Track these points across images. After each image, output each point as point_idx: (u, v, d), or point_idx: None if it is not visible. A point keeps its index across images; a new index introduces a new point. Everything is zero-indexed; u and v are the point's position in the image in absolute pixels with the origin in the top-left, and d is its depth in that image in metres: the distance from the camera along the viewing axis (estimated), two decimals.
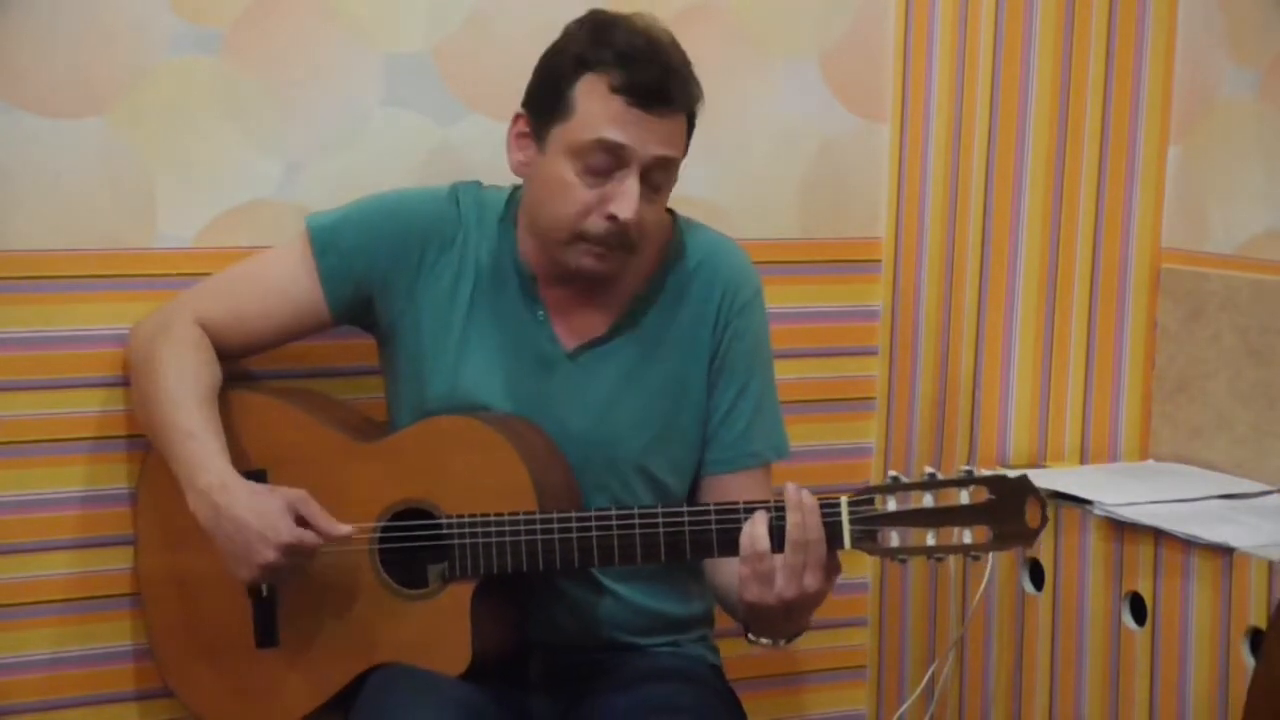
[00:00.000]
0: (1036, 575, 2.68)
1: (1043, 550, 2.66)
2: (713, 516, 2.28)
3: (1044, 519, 2.21)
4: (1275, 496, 2.60)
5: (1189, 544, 2.44)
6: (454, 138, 2.70)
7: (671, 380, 2.46)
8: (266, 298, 2.46)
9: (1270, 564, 2.33)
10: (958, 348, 2.86)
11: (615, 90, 2.30)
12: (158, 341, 2.42)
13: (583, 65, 2.32)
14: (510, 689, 2.38)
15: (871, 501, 2.23)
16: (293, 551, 2.30)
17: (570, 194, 2.33)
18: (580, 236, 2.34)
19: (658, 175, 2.34)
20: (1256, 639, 2.36)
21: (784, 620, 2.28)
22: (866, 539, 2.23)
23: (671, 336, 2.46)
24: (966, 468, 2.23)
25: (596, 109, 2.31)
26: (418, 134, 2.69)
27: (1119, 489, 2.63)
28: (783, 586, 2.22)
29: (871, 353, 3.00)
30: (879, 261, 2.98)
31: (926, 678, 2.87)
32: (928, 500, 2.21)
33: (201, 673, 2.47)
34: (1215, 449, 2.75)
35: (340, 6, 2.63)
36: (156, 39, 2.55)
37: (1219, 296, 2.74)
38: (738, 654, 2.69)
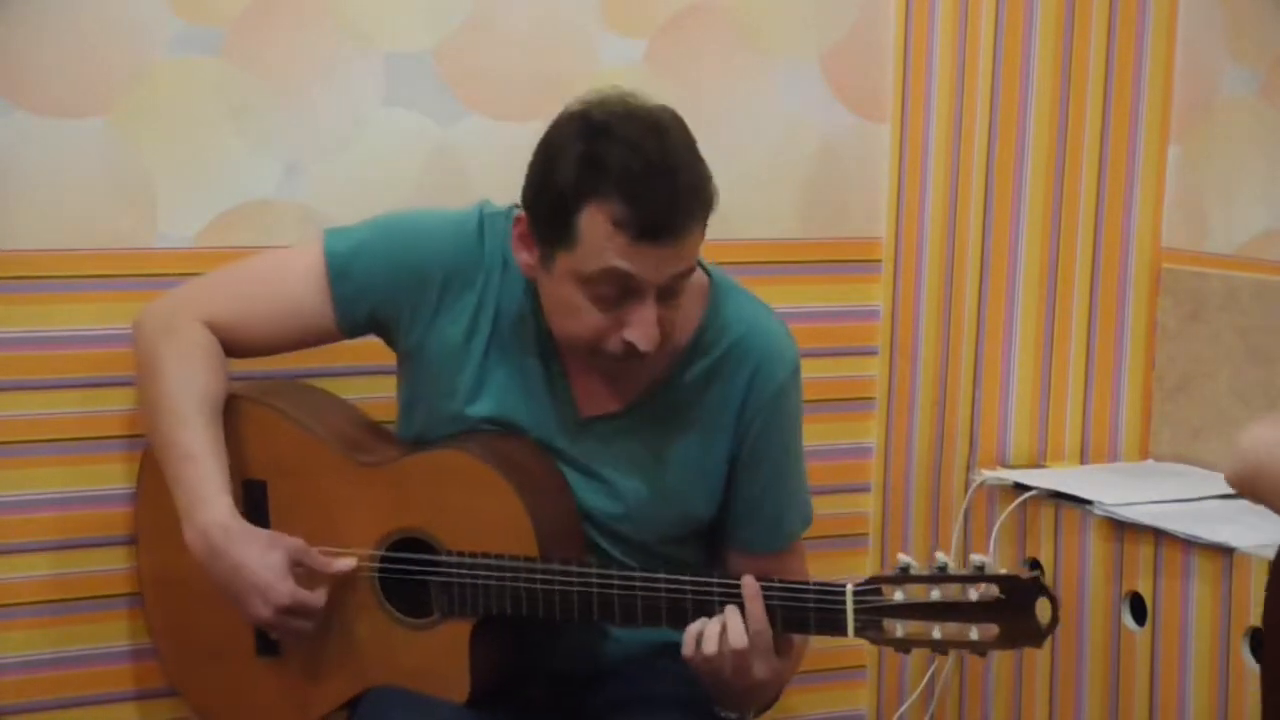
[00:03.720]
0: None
1: (1042, 550, 2.66)
2: (715, 586, 2.22)
3: (1055, 619, 2.14)
4: None
5: (1189, 544, 2.44)
6: (454, 138, 2.70)
7: (687, 463, 2.36)
8: (277, 308, 2.40)
9: (1270, 564, 2.33)
10: (958, 348, 2.86)
11: (619, 226, 2.13)
12: (164, 343, 2.37)
13: (581, 193, 2.14)
14: (510, 712, 2.35)
15: (879, 591, 2.17)
16: (291, 613, 2.27)
17: (582, 318, 2.20)
18: (598, 353, 2.23)
19: (676, 283, 2.20)
20: (1256, 639, 2.36)
21: (744, 697, 2.27)
22: (870, 628, 2.17)
23: (694, 418, 2.35)
24: (979, 561, 2.15)
25: (602, 243, 2.14)
26: (418, 134, 2.69)
27: (1119, 489, 2.63)
28: (731, 676, 2.20)
29: (871, 353, 3.00)
30: (879, 261, 2.98)
31: (926, 678, 2.87)
32: (935, 594, 2.15)
33: (201, 674, 2.46)
34: (1215, 449, 2.75)
35: (340, 6, 2.63)
36: (157, 39, 2.55)
37: (1219, 296, 2.74)
38: None
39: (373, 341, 2.52)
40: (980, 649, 2.17)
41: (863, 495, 3.02)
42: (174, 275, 2.54)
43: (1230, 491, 2.59)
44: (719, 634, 2.19)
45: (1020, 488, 2.69)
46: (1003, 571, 2.15)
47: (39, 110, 2.50)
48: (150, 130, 2.56)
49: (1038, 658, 2.68)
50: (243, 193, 2.62)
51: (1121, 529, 2.54)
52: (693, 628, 2.20)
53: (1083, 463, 2.86)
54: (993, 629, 2.14)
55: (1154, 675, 2.51)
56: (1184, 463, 2.80)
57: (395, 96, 2.67)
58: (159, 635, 2.51)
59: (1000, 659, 2.75)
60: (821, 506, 2.68)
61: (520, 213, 2.25)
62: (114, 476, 2.57)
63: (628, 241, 2.14)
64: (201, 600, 2.41)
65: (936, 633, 2.16)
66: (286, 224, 2.61)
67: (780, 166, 2.90)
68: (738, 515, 2.40)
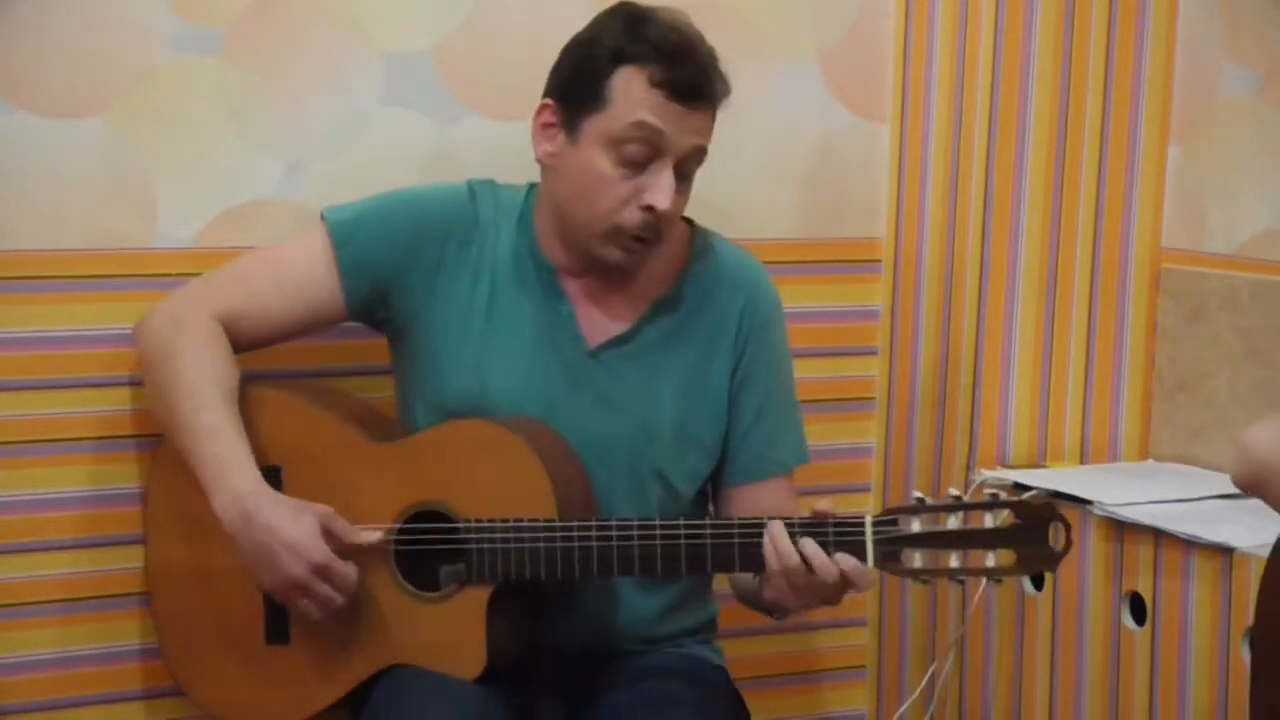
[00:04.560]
0: (1036, 575, 2.68)
1: None
2: (735, 530, 2.28)
3: (1068, 542, 2.21)
4: None
5: (1189, 544, 2.44)
6: (454, 138, 2.70)
7: (691, 385, 2.45)
8: (283, 290, 2.44)
9: (1266, 562, 2.33)
10: (958, 348, 2.86)
11: (655, 84, 2.31)
12: (173, 336, 2.39)
13: (620, 58, 2.32)
14: (518, 690, 2.38)
15: (895, 522, 2.22)
16: (322, 573, 2.28)
17: (605, 186, 2.34)
18: (615, 229, 2.35)
19: (689, 164, 2.37)
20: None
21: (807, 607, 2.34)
22: (890, 559, 2.22)
23: (693, 341, 2.46)
24: (992, 491, 2.23)
25: (636, 100, 2.32)
26: (418, 134, 2.69)
27: (1119, 489, 2.63)
28: (805, 601, 2.28)
29: (871, 353, 3.00)
30: (879, 261, 2.98)
31: (926, 678, 2.87)
32: (952, 522, 2.21)
33: (209, 666, 2.46)
34: (1215, 449, 2.75)
35: (340, 6, 2.63)
36: (156, 39, 2.55)
37: (1219, 296, 2.74)
38: (740, 655, 2.69)
39: (373, 342, 2.52)
40: (997, 575, 2.23)
41: (863, 495, 3.02)
42: (174, 275, 2.54)
43: (1230, 491, 2.61)
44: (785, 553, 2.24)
45: (1020, 488, 2.69)
46: (1017, 498, 2.21)
47: (39, 110, 2.50)
48: (150, 130, 2.56)
49: (1038, 658, 2.68)
50: (243, 193, 2.62)
51: (1121, 529, 2.54)
52: (769, 547, 2.24)
53: (1082, 463, 2.86)
54: (1009, 555, 2.20)
55: (1154, 675, 2.51)
56: (1184, 463, 2.80)
57: (395, 96, 2.67)
58: (166, 629, 2.50)
59: (1000, 656, 2.75)
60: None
61: (545, 102, 2.39)
62: (114, 476, 2.57)
63: (662, 99, 2.32)
64: (210, 591, 2.42)
65: (954, 561, 2.21)
66: (286, 224, 2.61)
67: (780, 166, 2.90)
68: (731, 448, 2.49)
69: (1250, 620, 2.35)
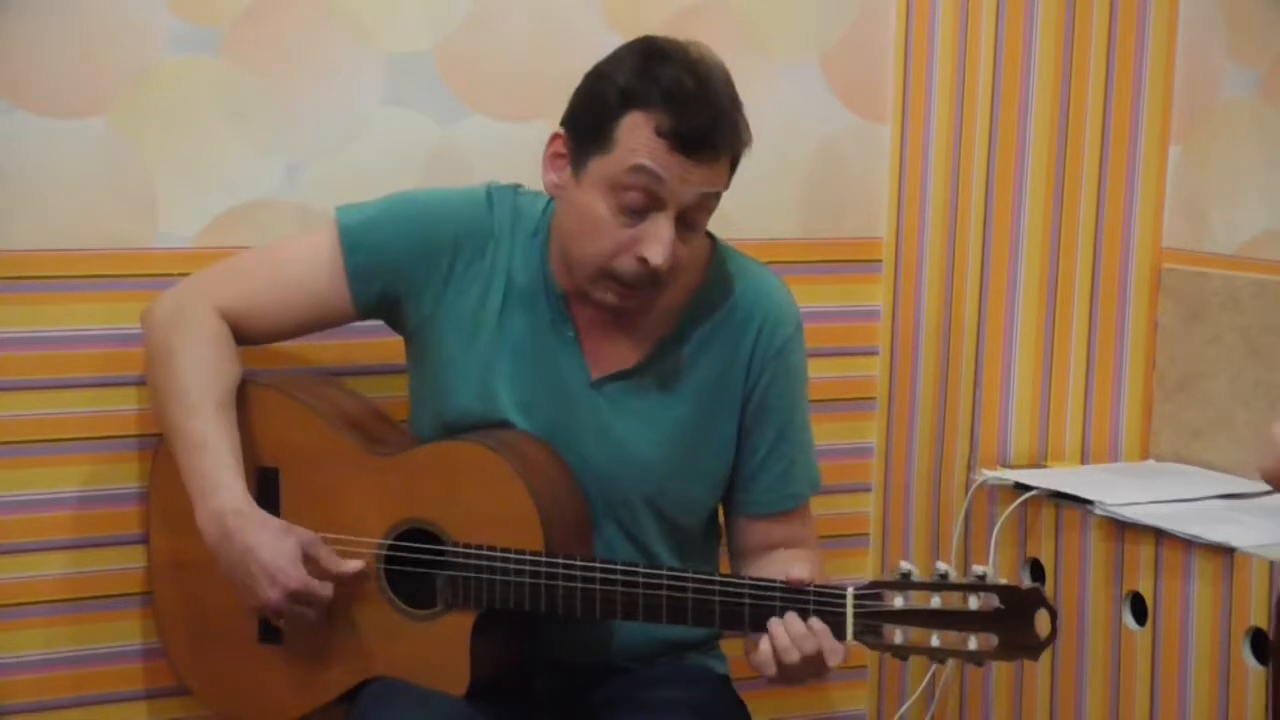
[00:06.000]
0: (1037, 575, 2.68)
1: (1043, 550, 2.66)
2: (717, 588, 2.23)
3: (1054, 631, 2.15)
4: (1275, 496, 2.59)
5: (1190, 544, 2.44)
6: (454, 138, 2.70)
7: (697, 420, 2.40)
8: (290, 289, 2.41)
9: (1271, 564, 2.33)
10: (958, 348, 2.86)
11: (660, 134, 2.23)
12: (175, 332, 2.38)
13: (629, 101, 2.24)
14: (512, 706, 2.36)
15: (879, 596, 2.17)
16: (299, 598, 2.28)
17: (602, 231, 2.26)
18: (607, 275, 2.28)
19: (697, 214, 2.29)
20: (1257, 639, 2.36)
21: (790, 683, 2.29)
22: (869, 633, 2.18)
23: (701, 375, 2.40)
24: (980, 571, 2.15)
25: (639, 146, 2.23)
26: (418, 134, 2.69)
27: (1119, 489, 2.63)
28: (793, 680, 2.24)
29: (871, 353, 3.00)
30: (879, 261, 2.98)
31: (927, 678, 2.87)
32: (935, 601, 2.15)
33: (204, 660, 2.47)
34: (1215, 449, 2.75)
35: (340, 6, 2.63)
36: (156, 39, 2.55)
37: (1219, 296, 2.74)
38: (741, 655, 2.69)
39: (382, 341, 2.52)
40: (978, 659, 2.17)
41: (863, 495, 3.02)
42: (174, 275, 2.53)
43: (1231, 491, 2.61)
44: (791, 643, 2.19)
45: (1021, 488, 2.69)
46: (1003, 582, 2.15)
47: (39, 110, 2.50)
48: (150, 130, 2.56)
49: (1038, 657, 2.68)
50: (243, 193, 2.62)
51: (1122, 529, 2.54)
52: (764, 651, 2.20)
53: (1083, 463, 2.86)
54: (991, 639, 2.15)
55: (1154, 675, 2.51)
56: (1184, 463, 2.80)
57: (395, 96, 2.67)
58: (166, 620, 2.51)
59: None
60: (822, 507, 2.68)
61: (558, 132, 2.32)
62: (114, 476, 2.57)
63: (665, 149, 2.23)
64: (209, 586, 2.42)
65: (935, 640, 2.16)
66: (286, 224, 2.61)
67: (780, 166, 2.90)
68: (745, 478, 2.44)
69: (1252, 620, 2.36)
